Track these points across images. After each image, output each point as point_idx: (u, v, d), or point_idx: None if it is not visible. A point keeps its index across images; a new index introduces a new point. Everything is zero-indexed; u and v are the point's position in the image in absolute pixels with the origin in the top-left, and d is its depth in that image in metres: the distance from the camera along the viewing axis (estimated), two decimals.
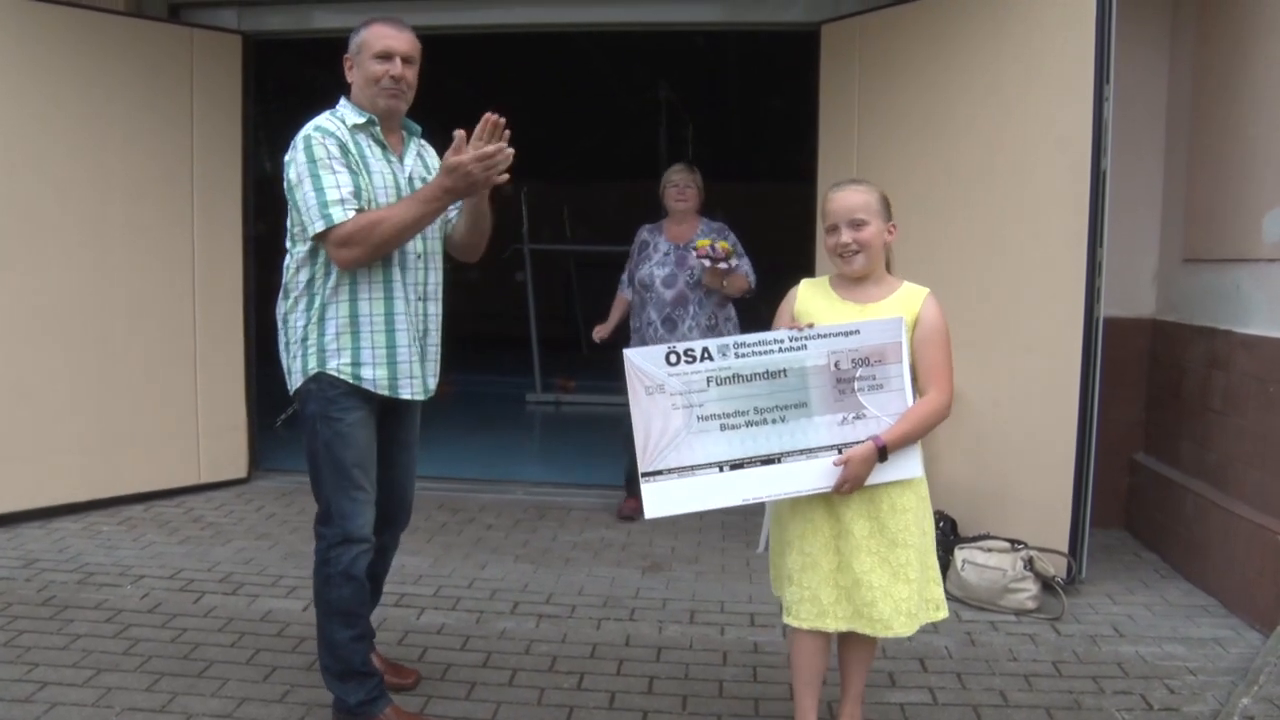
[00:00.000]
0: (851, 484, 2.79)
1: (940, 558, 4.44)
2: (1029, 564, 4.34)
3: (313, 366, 3.11)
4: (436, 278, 3.27)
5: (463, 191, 3.00)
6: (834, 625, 2.87)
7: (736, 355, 2.80)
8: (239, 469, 6.32)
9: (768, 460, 2.81)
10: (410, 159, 3.24)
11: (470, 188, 2.98)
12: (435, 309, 3.26)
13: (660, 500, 2.84)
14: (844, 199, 2.88)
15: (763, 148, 13.23)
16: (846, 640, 3.01)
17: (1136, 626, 4.20)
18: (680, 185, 5.49)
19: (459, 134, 2.95)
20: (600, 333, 5.60)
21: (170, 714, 3.32)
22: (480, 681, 3.62)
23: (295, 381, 3.16)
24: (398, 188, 3.14)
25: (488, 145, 2.94)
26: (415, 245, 3.16)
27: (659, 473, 2.82)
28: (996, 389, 4.79)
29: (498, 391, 10.58)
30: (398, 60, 3.13)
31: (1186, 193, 5.19)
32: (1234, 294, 4.66)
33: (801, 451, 2.81)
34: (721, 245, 5.19)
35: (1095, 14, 4.30)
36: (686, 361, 2.80)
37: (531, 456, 8.13)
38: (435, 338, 3.27)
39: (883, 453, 2.79)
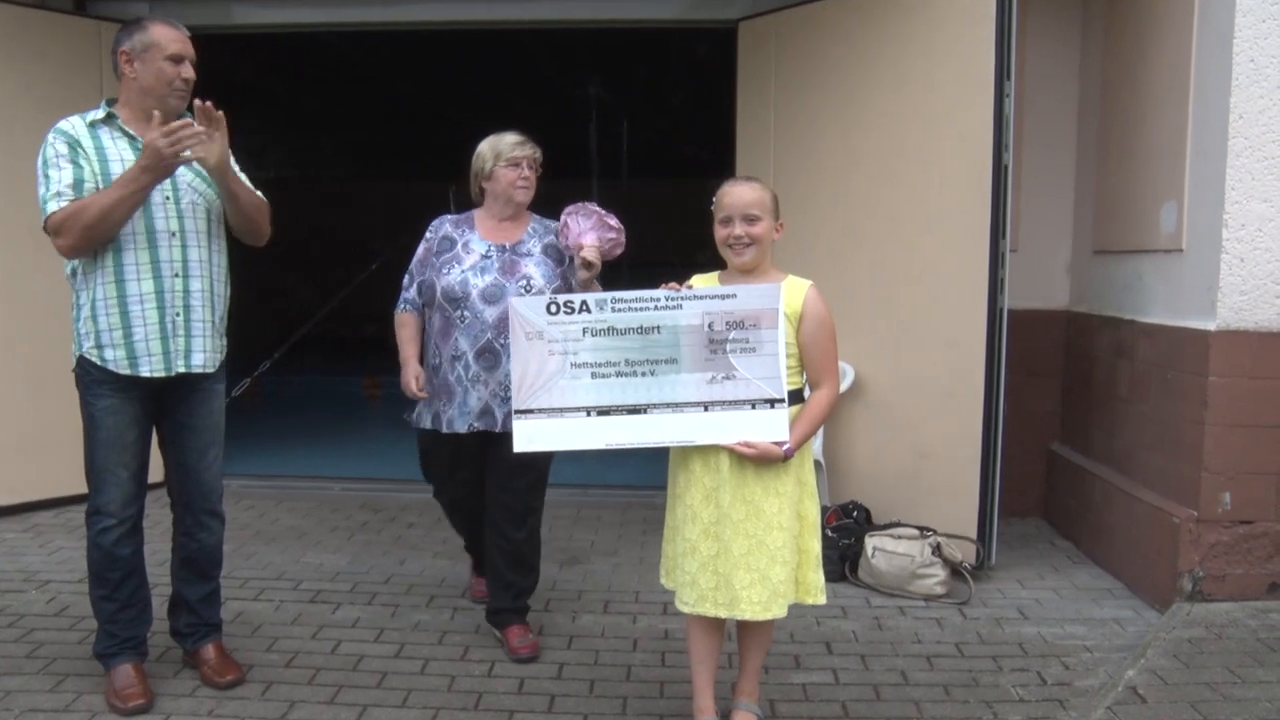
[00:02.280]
0: (744, 456, 2.99)
1: (852, 546, 4.71)
2: (937, 550, 4.58)
3: (74, 351, 3.44)
4: (200, 255, 3.44)
5: (158, 169, 3.21)
6: (713, 611, 3.06)
7: (614, 310, 3.03)
8: (155, 472, 6.38)
9: (634, 410, 3.04)
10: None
11: (163, 164, 3.21)
12: (199, 285, 3.44)
13: (528, 436, 3.10)
14: (739, 194, 3.08)
15: (694, 143, 13.47)
16: (743, 621, 3.20)
17: (1042, 609, 4.45)
18: (522, 164, 3.90)
19: (156, 114, 3.23)
20: (418, 383, 3.90)
21: (74, 713, 3.44)
22: (392, 671, 3.79)
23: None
24: None
25: (188, 128, 3.20)
26: (168, 224, 3.38)
27: (530, 411, 3.08)
28: (908, 380, 5.04)
29: None
30: (187, 63, 3.42)
31: (1096, 185, 5.48)
32: (1137, 284, 4.95)
33: (668, 405, 3.02)
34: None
35: (995, 12, 4.57)
36: (566, 312, 3.05)
37: None
38: (202, 314, 3.46)
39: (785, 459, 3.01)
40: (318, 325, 10.19)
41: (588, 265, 3.75)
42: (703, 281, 3.18)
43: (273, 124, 14.57)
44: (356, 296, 10.50)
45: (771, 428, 2.99)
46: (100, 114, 3.40)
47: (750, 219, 3.05)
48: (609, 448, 3.08)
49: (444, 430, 3.87)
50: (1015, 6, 4.57)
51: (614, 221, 3.81)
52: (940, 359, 4.89)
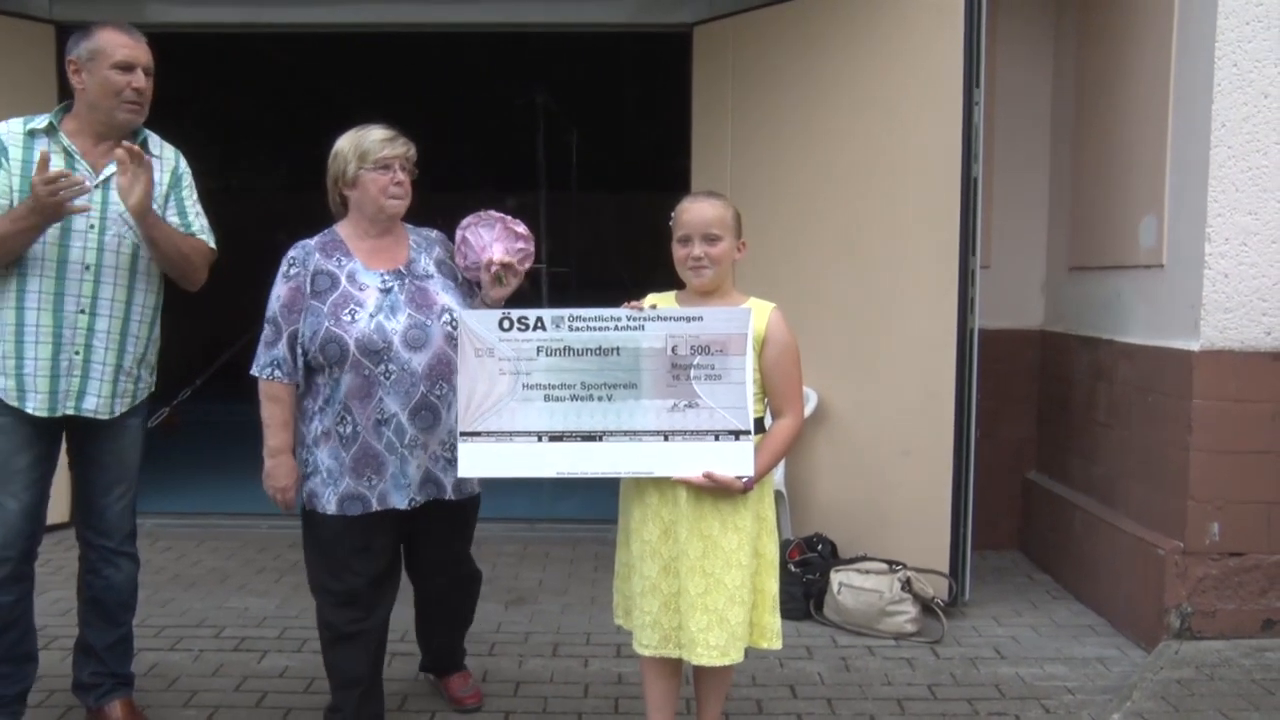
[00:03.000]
0: (701, 488, 2.96)
1: (817, 582, 4.69)
2: (907, 585, 4.56)
3: None
4: (115, 293, 3.35)
5: (44, 213, 3.12)
6: (674, 652, 3.03)
7: (571, 328, 2.99)
8: (59, 513, 6.24)
9: (589, 436, 2.99)
10: (111, 169, 3.31)
11: (45, 209, 3.10)
12: (106, 325, 3.35)
13: (474, 461, 3.04)
14: (700, 211, 3.06)
15: (650, 156, 13.50)
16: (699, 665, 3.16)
17: (1020, 648, 4.44)
18: (393, 166, 3.32)
19: (42, 152, 3.14)
20: (288, 493, 3.34)
21: None
22: None
23: None
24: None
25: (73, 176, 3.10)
26: (84, 255, 3.29)
27: (477, 434, 3.02)
28: (874, 404, 5.04)
29: None
30: (139, 72, 3.31)
31: (1071, 199, 5.53)
32: (1115, 302, 4.99)
33: (625, 432, 2.98)
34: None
35: (964, 16, 4.60)
36: (520, 329, 3.00)
37: None
38: (104, 355, 3.37)
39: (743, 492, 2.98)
40: (245, 349, 10.07)
41: (502, 279, 3.34)
42: (660, 301, 3.15)
43: (201, 131, 14.43)
44: None
45: (736, 461, 2.96)
46: (42, 123, 3.31)
47: (710, 239, 3.02)
48: (560, 476, 3.03)
49: (373, 508, 3.28)
50: (985, 9, 4.61)
51: (522, 229, 3.42)
52: (908, 382, 4.89)
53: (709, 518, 2.98)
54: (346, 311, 3.22)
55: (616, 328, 2.98)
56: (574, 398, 2.99)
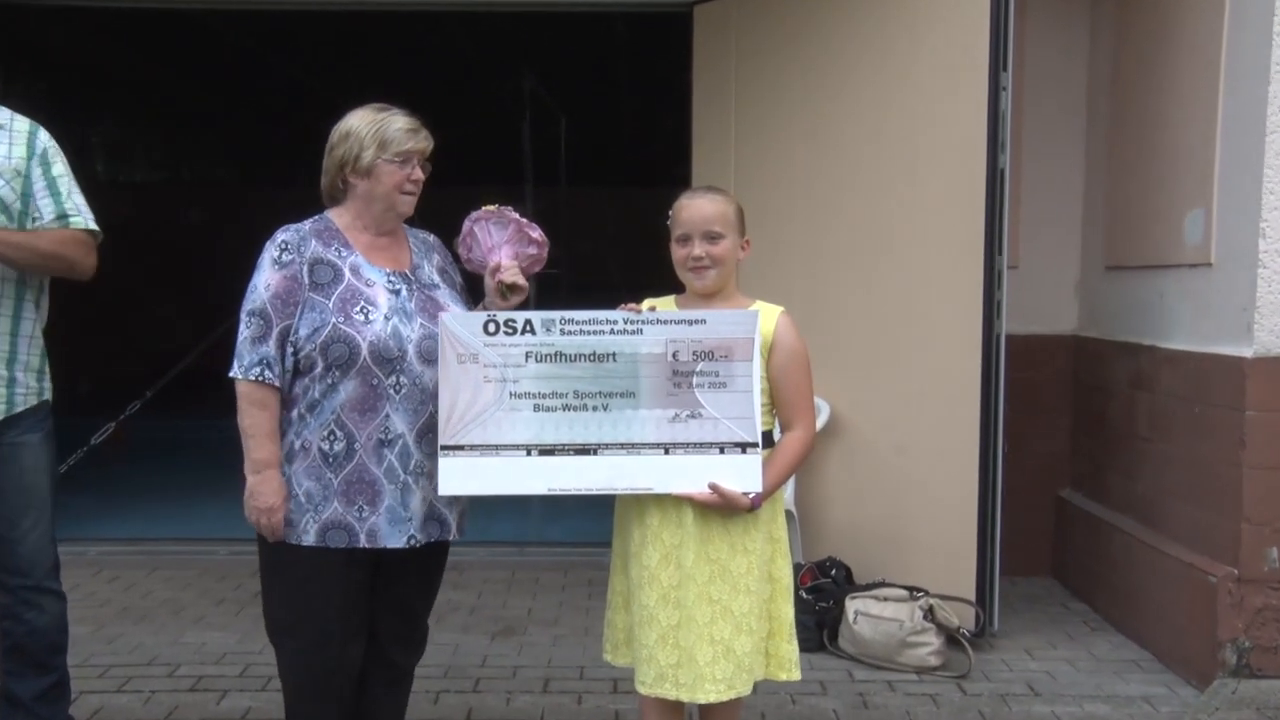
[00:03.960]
0: (702, 502, 2.91)
1: (831, 610, 4.66)
2: (929, 614, 4.53)
3: None
4: None
5: None
6: (674, 693, 2.97)
7: (563, 331, 2.95)
8: None
9: (582, 450, 2.95)
10: None
11: None
12: None
13: (456, 478, 2.98)
14: (699, 208, 3.03)
15: (646, 147, 13.51)
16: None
17: (1055, 684, 4.42)
18: (413, 161, 3.17)
19: None
20: (276, 514, 3.06)
21: None
22: None
23: None
24: None
25: None
26: None
27: (460, 448, 2.96)
28: (891, 417, 5.01)
29: None
30: None
31: (1108, 191, 5.51)
32: (1157, 304, 4.96)
33: (622, 445, 2.95)
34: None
35: None
36: (506, 332, 2.95)
37: None
38: None
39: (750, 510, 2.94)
40: (198, 360, 9.99)
41: (508, 291, 3.20)
42: (659, 306, 3.11)
43: (142, 118, 14.38)
44: None
45: (742, 476, 2.92)
46: None
47: (711, 237, 3.00)
48: (551, 493, 2.98)
49: (360, 545, 3.04)
50: None
51: (537, 234, 3.25)
52: (929, 392, 4.86)
53: (717, 540, 2.95)
54: (358, 309, 3.02)
55: (613, 331, 2.94)
56: (566, 407, 2.95)
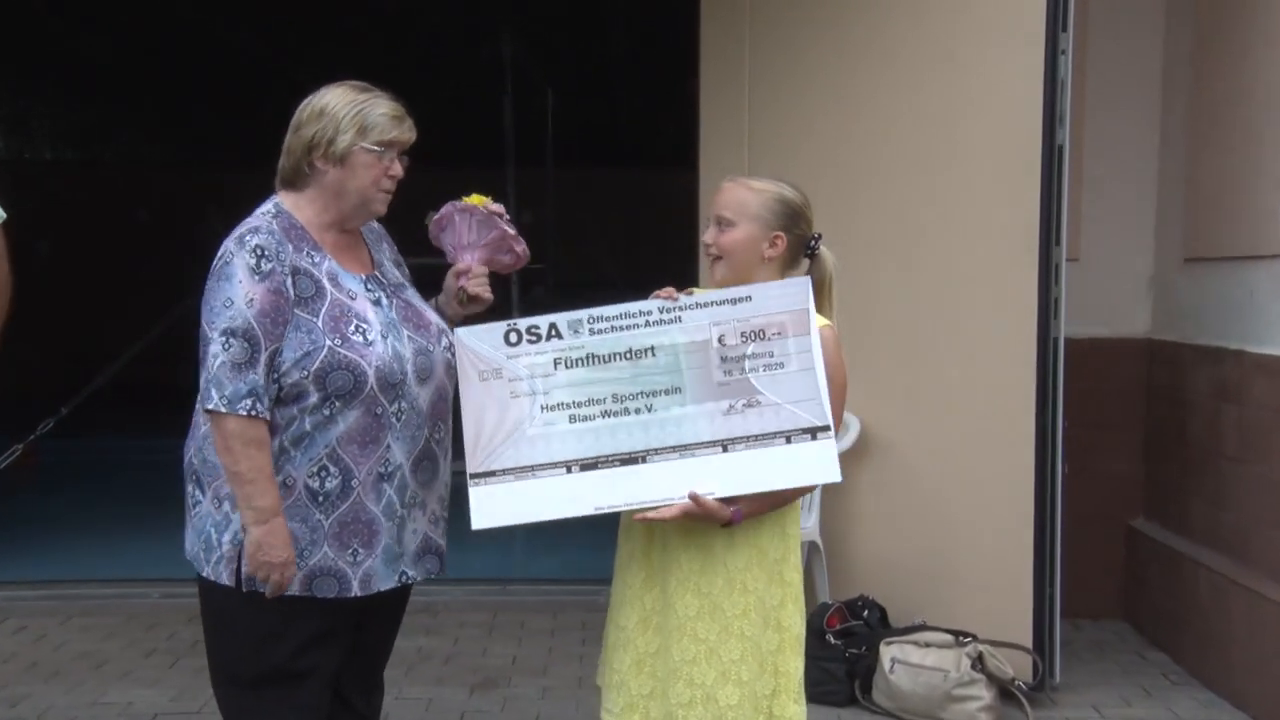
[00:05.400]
0: (679, 516, 2.88)
1: (864, 657, 4.63)
2: (978, 663, 4.50)
3: None
4: None
5: None
6: None
7: (592, 331, 2.97)
8: None
9: (629, 460, 2.94)
10: None
11: None
12: None
13: (491, 508, 2.97)
14: (723, 190, 3.08)
15: (645, 124, 13.53)
16: None
17: None
18: (390, 136, 3.05)
19: None
20: (289, 569, 2.95)
21: None
22: None
23: None
24: None
25: None
26: None
27: (492, 474, 2.97)
28: (932, 434, 4.98)
29: None
30: None
31: (1189, 173, 5.47)
32: (1247, 302, 4.92)
33: (674, 449, 2.94)
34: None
35: None
36: (530, 341, 2.98)
37: None
38: None
39: (728, 524, 2.91)
40: (124, 370, 9.95)
41: (468, 300, 3.20)
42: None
43: (51, 87, 14.32)
44: (180, 331, 10.29)
45: (818, 466, 2.93)
46: None
47: (722, 222, 3.02)
48: (599, 511, 2.97)
49: (352, 593, 2.99)
50: None
51: (521, 248, 3.25)
52: (976, 405, 4.84)
53: (713, 571, 2.94)
54: (353, 329, 2.95)
55: (648, 324, 2.96)
56: (606, 414, 2.97)
